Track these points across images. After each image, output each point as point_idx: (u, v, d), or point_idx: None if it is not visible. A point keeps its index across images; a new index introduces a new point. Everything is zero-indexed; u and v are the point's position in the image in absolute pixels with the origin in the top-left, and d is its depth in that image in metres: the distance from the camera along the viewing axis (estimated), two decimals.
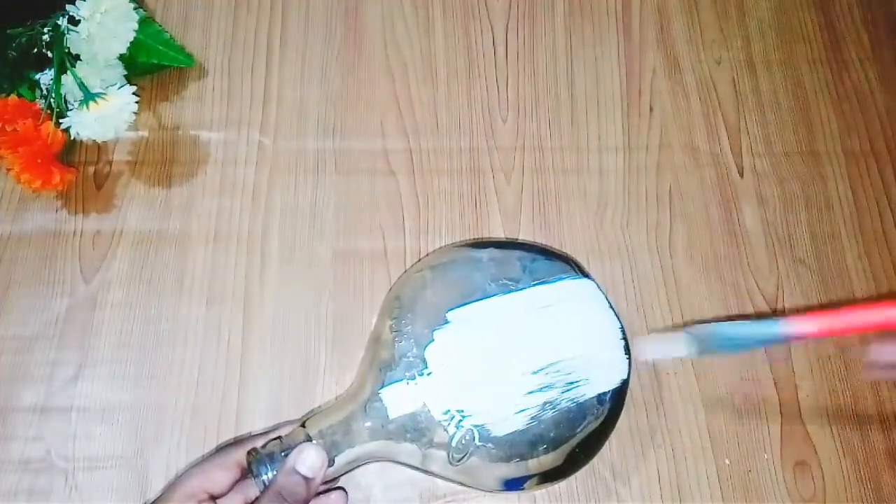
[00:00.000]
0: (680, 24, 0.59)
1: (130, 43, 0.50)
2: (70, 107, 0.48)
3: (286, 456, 0.37)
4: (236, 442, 0.42)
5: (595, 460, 0.44)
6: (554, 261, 0.45)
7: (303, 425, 0.39)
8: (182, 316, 0.49)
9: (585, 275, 0.44)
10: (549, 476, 0.41)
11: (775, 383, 0.49)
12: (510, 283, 0.42)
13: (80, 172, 0.52)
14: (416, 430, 0.39)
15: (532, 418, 0.39)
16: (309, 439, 0.38)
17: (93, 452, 0.45)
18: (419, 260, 0.50)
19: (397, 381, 0.39)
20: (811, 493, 0.46)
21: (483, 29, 0.58)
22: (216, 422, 0.46)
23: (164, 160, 0.53)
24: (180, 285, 0.49)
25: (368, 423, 0.39)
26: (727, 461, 0.47)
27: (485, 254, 0.45)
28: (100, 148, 0.53)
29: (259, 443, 0.40)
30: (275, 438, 0.39)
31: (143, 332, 0.48)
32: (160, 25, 0.54)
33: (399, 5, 0.58)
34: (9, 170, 0.46)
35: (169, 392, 0.47)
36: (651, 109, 0.56)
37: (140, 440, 0.46)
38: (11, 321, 0.48)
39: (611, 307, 0.43)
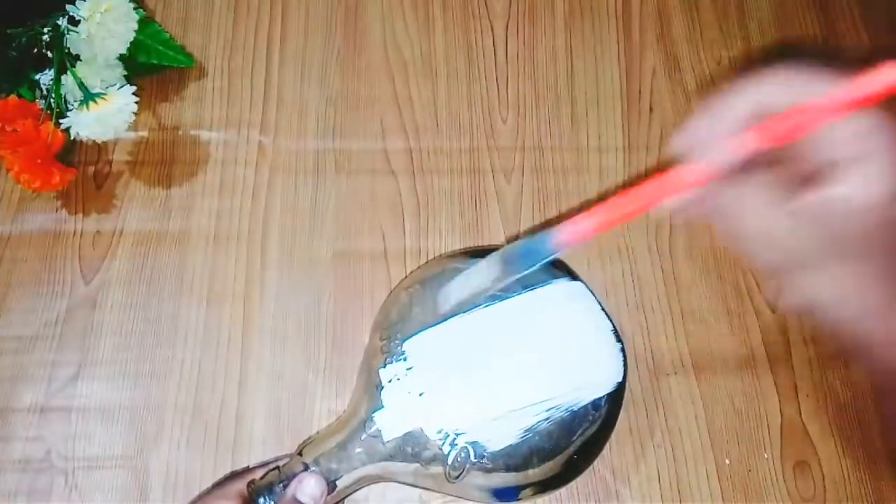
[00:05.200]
0: (680, 24, 0.59)
1: (130, 43, 0.50)
2: (70, 107, 0.48)
3: (285, 486, 0.38)
4: (238, 473, 0.42)
5: (595, 461, 0.44)
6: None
7: (300, 453, 0.39)
8: (182, 316, 0.49)
9: (574, 276, 0.44)
10: (549, 484, 0.41)
11: (775, 383, 0.49)
12: (498, 291, 0.42)
13: (80, 172, 0.52)
14: (412, 450, 0.39)
15: (527, 431, 0.39)
16: (306, 467, 0.38)
17: (93, 452, 0.45)
18: (406, 275, 0.50)
19: None
20: (811, 493, 0.46)
21: (483, 29, 0.58)
22: (216, 422, 0.46)
23: (164, 160, 0.53)
24: (180, 285, 0.49)
25: (364, 447, 0.39)
26: (727, 461, 0.47)
27: (471, 264, 0.44)
28: (100, 148, 0.53)
29: (259, 474, 0.40)
30: (273, 469, 0.39)
31: (143, 332, 0.48)
32: (160, 25, 0.54)
33: (399, 5, 0.58)
34: (9, 170, 0.46)
35: (169, 392, 0.47)
36: (651, 109, 0.56)
37: (140, 440, 0.46)
38: (11, 321, 0.48)
39: (602, 309, 0.43)
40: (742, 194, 0.29)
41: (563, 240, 0.31)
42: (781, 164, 0.30)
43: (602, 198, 0.30)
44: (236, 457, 0.45)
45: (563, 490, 0.45)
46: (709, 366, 0.49)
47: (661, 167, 0.31)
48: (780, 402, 0.48)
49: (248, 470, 0.44)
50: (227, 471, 0.45)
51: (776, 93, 0.28)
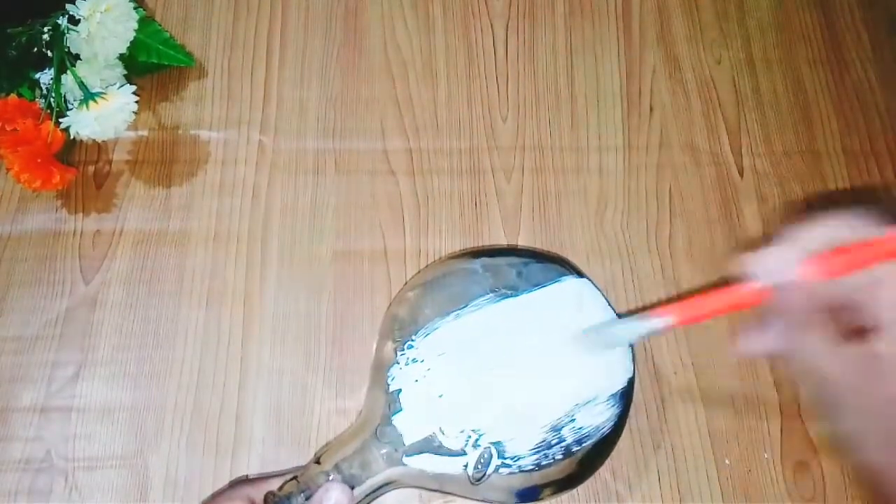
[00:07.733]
0: (680, 24, 0.59)
1: (130, 42, 0.50)
2: (70, 106, 0.48)
3: (306, 496, 0.37)
4: (248, 479, 0.42)
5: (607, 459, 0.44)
6: (547, 263, 0.44)
7: (317, 461, 0.38)
8: (182, 316, 0.49)
9: (580, 274, 0.44)
10: (567, 483, 0.41)
11: (775, 383, 0.49)
12: (508, 291, 0.41)
13: (80, 172, 0.52)
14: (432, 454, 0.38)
15: (547, 429, 0.39)
16: (326, 475, 0.37)
17: (93, 452, 0.45)
18: (412, 277, 0.50)
19: None
20: (811, 493, 0.46)
21: (483, 29, 0.58)
22: (216, 422, 0.46)
23: (164, 160, 0.53)
24: (180, 285, 0.49)
25: (384, 451, 0.38)
26: (727, 461, 0.47)
27: (478, 264, 0.44)
28: (100, 148, 0.53)
29: (275, 484, 0.39)
30: (292, 479, 0.38)
31: (143, 332, 0.48)
32: (160, 25, 0.54)
33: (399, 5, 0.58)
34: (9, 169, 0.46)
35: (169, 392, 0.47)
36: (651, 109, 0.56)
37: (140, 440, 0.46)
38: (11, 321, 0.48)
39: (609, 305, 0.43)
40: (801, 331, 0.31)
41: (653, 326, 0.35)
42: (839, 310, 0.31)
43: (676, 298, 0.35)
44: (236, 457, 0.45)
45: None
46: (709, 366, 0.49)
47: (724, 282, 0.35)
48: (780, 402, 0.48)
49: (248, 479, 0.43)
50: (227, 470, 0.45)
51: (842, 230, 0.30)
